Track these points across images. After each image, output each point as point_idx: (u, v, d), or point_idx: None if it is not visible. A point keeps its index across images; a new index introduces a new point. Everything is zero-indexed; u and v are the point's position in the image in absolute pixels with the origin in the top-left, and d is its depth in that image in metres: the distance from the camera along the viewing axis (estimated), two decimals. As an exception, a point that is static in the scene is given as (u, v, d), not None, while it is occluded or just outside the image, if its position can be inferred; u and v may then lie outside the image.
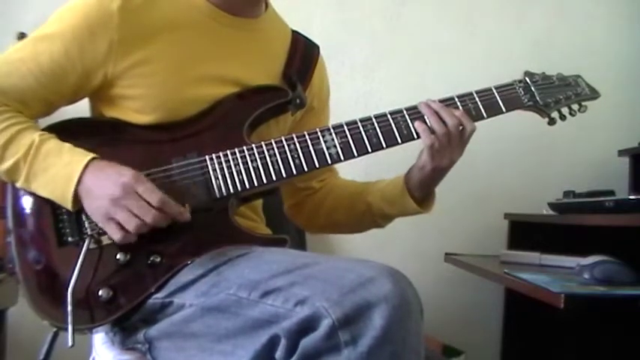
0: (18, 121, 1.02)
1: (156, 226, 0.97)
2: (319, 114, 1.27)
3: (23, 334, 1.64)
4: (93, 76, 1.04)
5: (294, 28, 1.27)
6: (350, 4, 2.15)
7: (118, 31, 1.03)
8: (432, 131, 1.07)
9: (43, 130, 1.04)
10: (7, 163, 0.99)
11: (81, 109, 1.14)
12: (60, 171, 0.98)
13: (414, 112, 1.10)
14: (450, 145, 1.08)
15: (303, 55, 1.22)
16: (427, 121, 1.08)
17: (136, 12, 1.04)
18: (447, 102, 1.11)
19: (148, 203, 0.96)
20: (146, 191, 0.97)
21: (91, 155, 0.99)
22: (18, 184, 1.01)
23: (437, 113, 1.08)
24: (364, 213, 1.23)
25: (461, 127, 1.08)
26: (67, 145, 1.01)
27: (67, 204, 0.98)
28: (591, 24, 2.22)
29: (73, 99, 1.09)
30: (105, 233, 1.00)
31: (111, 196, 0.96)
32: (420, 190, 1.15)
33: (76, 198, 0.98)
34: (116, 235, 0.97)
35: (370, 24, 2.15)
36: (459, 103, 1.11)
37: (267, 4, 1.19)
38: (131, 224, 0.96)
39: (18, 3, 1.97)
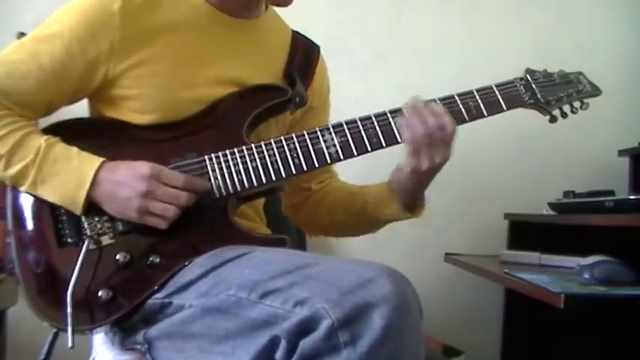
0: (22, 125, 1.02)
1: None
2: (319, 114, 1.27)
3: (23, 334, 1.64)
4: (94, 75, 1.04)
5: (294, 28, 1.26)
6: (350, 4, 2.15)
7: (119, 31, 1.03)
8: (411, 131, 1.04)
9: (42, 130, 1.04)
10: (15, 168, 0.99)
11: (80, 110, 1.14)
12: (70, 176, 0.99)
13: None
14: (430, 147, 1.05)
15: (303, 54, 1.22)
16: (408, 121, 1.05)
17: (137, 12, 1.04)
18: (447, 100, 1.10)
19: (176, 187, 0.98)
20: (169, 177, 0.99)
21: (100, 160, 1.00)
22: (22, 189, 1.01)
23: (418, 113, 1.05)
24: (360, 213, 1.21)
25: (443, 129, 1.04)
26: (75, 149, 1.01)
27: (77, 208, 0.99)
28: (591, 24, 2.22)
29: (73, 99, 1.09)
30: (104, 234, 1.00)
31: (138, 192, 0.97)
32: (404, 194, 1.13)
33: (86, 202, 0.99)
34: (162, 225, 0.99)
35: (370, 24, 2.15)
36: (459, 101, 1.10)
37: (267, 6, 1.19)
38: (169, 212, 0.98)
39: (18, 3, 1.97)
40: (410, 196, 1.13)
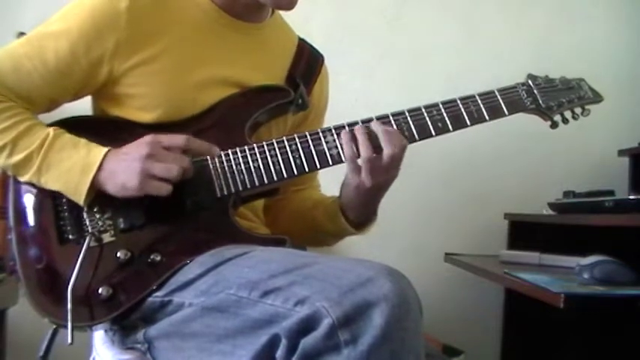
0: (28, 117, 1.03)
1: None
2: (313, 125, 1.23)
3: (23, 334, 1.64)
4: (98, 73, 1.05)
5: (294, 28, 1.27)
6: (350, 4, 2.15)
7: (125, 30, 1.03)
8: (349, 151, 1.04)
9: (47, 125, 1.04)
10: (18, 157, 1.00)
11: (82, 107, 1.14)
12: (77, 163, 0.99)
13: (416, 114, 1.09)
14: (371, 169, 1.03)
15: (307, 61, 1.22)
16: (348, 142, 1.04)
17: (144, 12, 1.05)
18: (449, 104, 1.10)
19: (178, 147, 0.99)
20: (169, 139, 1.00)
21: (107, 148, 1.00)
22: (25, 178, 1.01)
23: (361, 132, 1.04)
24: (310, 228, 1.21)
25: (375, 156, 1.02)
26: (83, 139, 1.02)
27: (80, 196, 0.99)
28: (591, 24, 2.22)
29: (77, 96, 1.09)
30: (106, 231, 1.01)
31: (140, 156, 0.97)
32: (353, 211, 1.13)
33: (91, 190, 0.99)
34: (163, 189, 0.98)
35: (370, 24, 2.15)
36: (461, 105, 1.11)
37: (273, 11, 1.19)
38: (172, 172, 0.97)
39: (17, 3, 1.97)
40: (359, 212, 1.13)
